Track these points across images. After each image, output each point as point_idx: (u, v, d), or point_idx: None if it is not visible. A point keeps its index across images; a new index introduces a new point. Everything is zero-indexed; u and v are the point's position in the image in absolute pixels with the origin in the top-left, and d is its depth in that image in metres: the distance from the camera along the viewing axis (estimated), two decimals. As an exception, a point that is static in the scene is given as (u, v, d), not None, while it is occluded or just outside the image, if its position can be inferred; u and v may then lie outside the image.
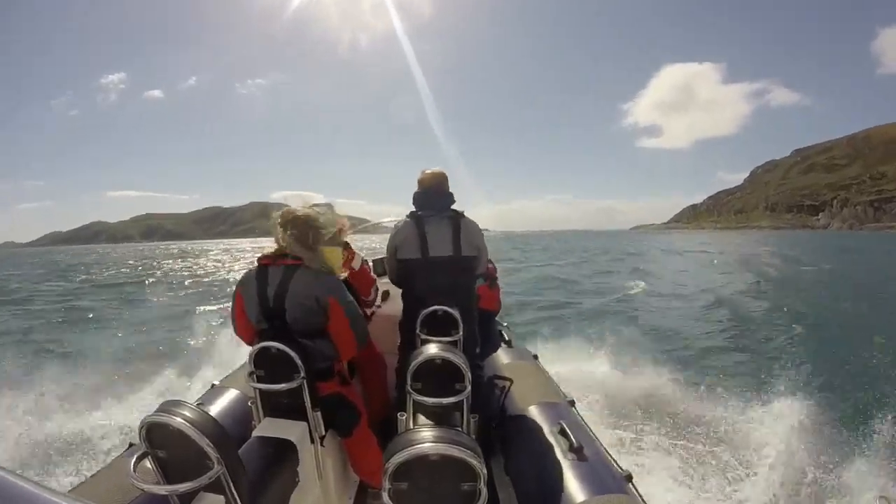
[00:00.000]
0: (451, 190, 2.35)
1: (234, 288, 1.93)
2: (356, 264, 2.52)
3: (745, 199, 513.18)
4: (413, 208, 2.31)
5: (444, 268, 2.17)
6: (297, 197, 1.97)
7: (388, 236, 2.41)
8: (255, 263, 1.87)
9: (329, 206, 2.62)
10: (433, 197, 2.25)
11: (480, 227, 2.35)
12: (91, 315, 11.96)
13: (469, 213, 2.31)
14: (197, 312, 11.11)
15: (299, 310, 1.77)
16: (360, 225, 4.13)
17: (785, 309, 10.05)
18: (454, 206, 2.29)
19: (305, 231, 1.83)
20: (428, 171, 2.31)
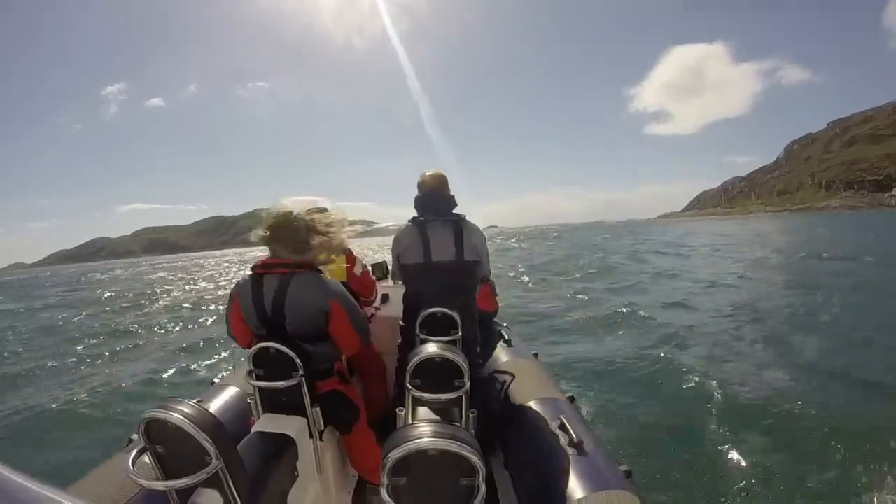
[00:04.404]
0: (451, 192, 2.40)
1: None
2: (358, 270, 2.67)
3: (787, 178, 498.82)
4: (415, 212, 2.39)
5: (447, 272, 2.26)
6: (301, 202, 1.98)
7: (387, 238, 2.47)
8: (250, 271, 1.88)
9: (323, 209, 2.71)
10: (435, 200, 2.32)
11: (489, 224, 2.37)
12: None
13: (475, 211, 2.34)
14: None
15: (299, 317, 1.82)
16: (365, 229, 4.24)
17: None
18: (456, 209, 2.36)
19: (293, 232, 1.84)
20: (427, 174, 2.37)
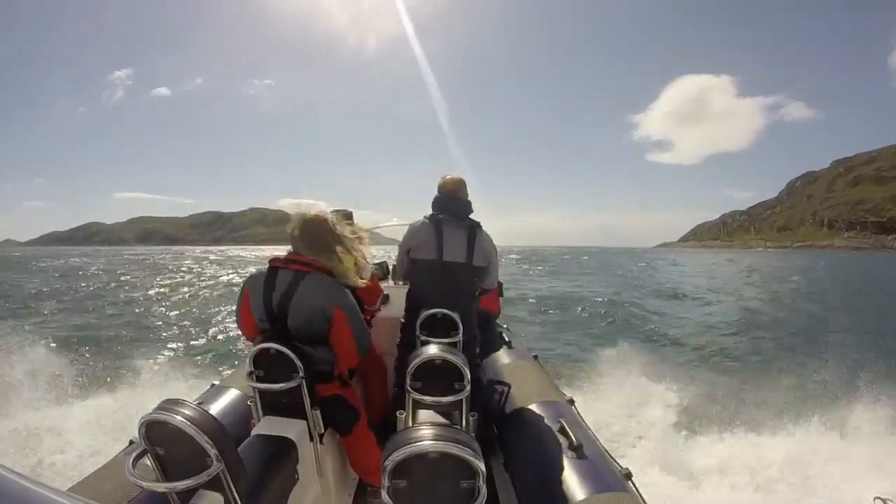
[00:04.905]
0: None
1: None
2: (366, 274, 2.69)
3: (788, 214, 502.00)
4: (432, 211, 2.45)
5: (455, 273, 2.32)
6: (302, 205, 2.02)
7: (385, 246, 2.51)
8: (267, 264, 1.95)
9: (349, 213, 2.77)
10: (453, 203, 2.40)
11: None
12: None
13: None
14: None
15: (302, 317, 1.85)
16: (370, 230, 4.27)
17: None
18: (472, 216, 2.44)
19: (320, 235, 1.93)
20: (448, 177, 2.46)
